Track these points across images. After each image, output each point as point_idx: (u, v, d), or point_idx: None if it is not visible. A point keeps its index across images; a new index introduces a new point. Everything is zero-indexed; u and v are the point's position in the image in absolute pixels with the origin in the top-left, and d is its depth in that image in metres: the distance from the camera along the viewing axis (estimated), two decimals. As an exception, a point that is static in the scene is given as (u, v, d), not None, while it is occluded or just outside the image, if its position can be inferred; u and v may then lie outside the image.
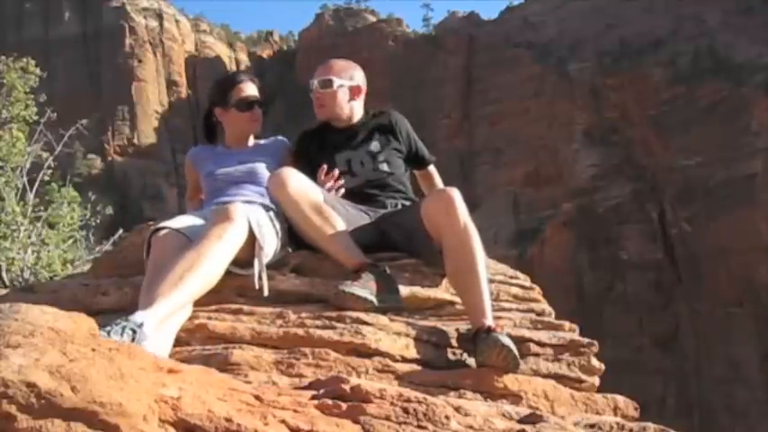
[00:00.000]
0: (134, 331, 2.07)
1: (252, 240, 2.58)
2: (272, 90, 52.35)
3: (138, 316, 2.14)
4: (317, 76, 3.30)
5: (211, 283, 2.41)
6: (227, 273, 2.50)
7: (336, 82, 3.26)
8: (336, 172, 3.10)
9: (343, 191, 3.07)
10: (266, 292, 2.59)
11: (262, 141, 3.43)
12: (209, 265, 2.37)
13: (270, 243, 2.69)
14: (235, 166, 3.20)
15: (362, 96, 3.35)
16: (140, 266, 2.61)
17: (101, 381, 1.32)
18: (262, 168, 3.17)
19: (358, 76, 3.32)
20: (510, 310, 2.89)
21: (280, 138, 3.47)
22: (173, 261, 2.37)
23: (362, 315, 2.51)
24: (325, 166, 3.09)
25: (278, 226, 2.79)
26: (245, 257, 2.58)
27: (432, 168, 3.53)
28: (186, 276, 2.31)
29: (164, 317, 2.21)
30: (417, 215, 2.79)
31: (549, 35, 50.00)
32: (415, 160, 3.41)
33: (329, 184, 3.04)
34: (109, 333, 1.99)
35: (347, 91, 3.29)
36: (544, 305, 3.01)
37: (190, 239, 2.54)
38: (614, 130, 44.04)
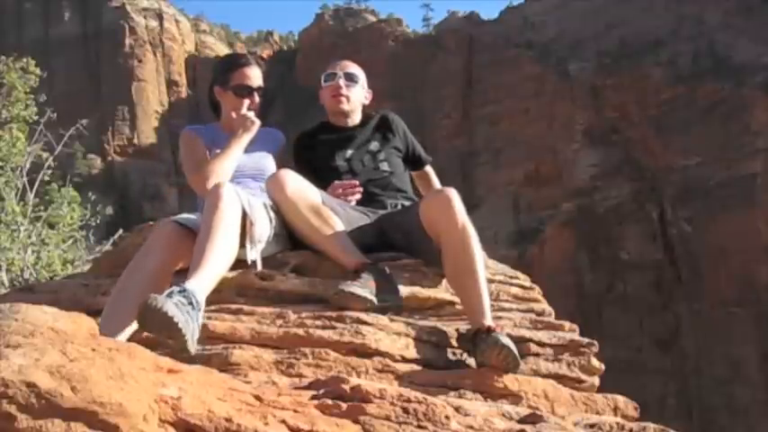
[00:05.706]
0: (191, 296, 2.12)
1: (244, 219, 2.57)
2: (272, 90, 52.33)
3: (188, 285, 2.18)
4: (339, 68, 3.29)
5: (233, 248, 2.44)
6: None
7: (361, 80, 3.29)
8: (356, 183, 3.08)
9: (353, 199, 3.04)
10: (259, 267, 2.62)
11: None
12: (220, 238, 2.40)
13: (263, 224, 2.66)
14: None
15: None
16: (140, 267, 2.60)
17: (101, 381, 1.32)
18: (265, 161, 3.17)
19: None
20: (510, 310, 2.89)
21: (274, 130, 3.42)
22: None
23: (362, 315, 2.51)
24: (337, 182, 3.07)
25: (272, 215, 2.75)
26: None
27: (428, 168, 3.53)
28: (209, 250, 2.34)
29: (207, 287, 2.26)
30: (416, 215, 2.78)
31: (549, 35, 49.97)
32: (412, 160, 3.41)
33: (339, 191, 3.02)
34: (171, 295, 2.05)
35: (366, 94, 3.36)
36: (544, 305, 3.01)
37: (188, 227, 2.56)
38: (614, 130, 44.01)
